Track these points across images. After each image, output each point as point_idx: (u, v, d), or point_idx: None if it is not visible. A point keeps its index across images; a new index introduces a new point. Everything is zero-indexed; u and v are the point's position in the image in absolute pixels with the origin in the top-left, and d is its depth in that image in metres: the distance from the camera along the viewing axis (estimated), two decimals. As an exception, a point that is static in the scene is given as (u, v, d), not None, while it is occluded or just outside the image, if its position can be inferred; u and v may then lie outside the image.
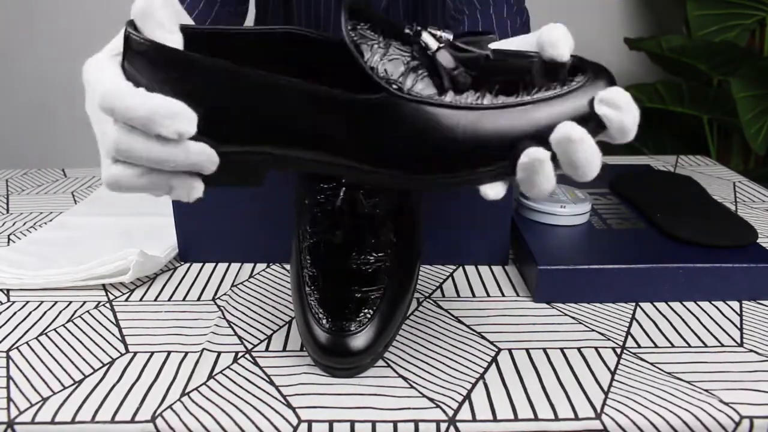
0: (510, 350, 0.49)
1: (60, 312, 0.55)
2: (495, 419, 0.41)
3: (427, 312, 0.54)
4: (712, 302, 0.56)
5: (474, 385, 0.44)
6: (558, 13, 1.88)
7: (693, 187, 0.74)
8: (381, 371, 0.46)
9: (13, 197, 0.85)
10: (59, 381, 0.46)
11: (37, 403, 0.43)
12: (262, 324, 0.53)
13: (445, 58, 0.36)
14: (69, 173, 0.96)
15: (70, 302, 0.57)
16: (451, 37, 0.37)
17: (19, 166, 2.05)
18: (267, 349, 0.49)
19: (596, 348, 0.49)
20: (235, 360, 0.48)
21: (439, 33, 0.37)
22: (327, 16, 0.80)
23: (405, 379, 0.45)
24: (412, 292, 0.51)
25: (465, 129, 0.36)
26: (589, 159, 0.34)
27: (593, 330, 0.52)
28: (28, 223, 0.75)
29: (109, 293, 0.59)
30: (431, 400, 0.43)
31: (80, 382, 0.45)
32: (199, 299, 0.57)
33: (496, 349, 0.49)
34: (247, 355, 0.48)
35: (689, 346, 0.49)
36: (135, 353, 0.49)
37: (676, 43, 1.61)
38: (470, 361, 0.47)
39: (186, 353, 0.49)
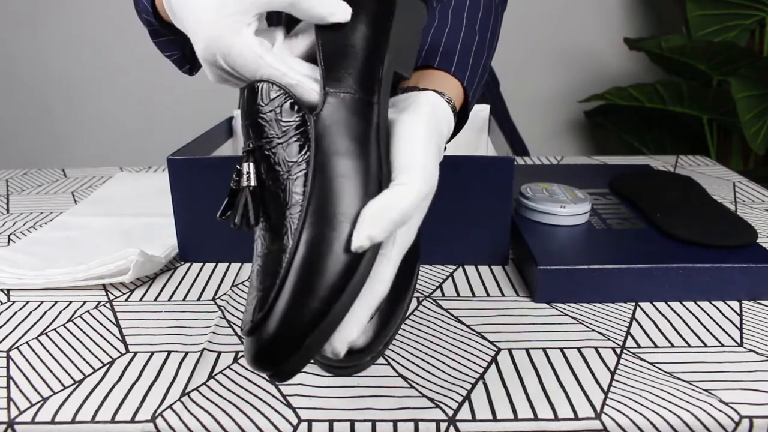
0: (510, 350, 0.49)
1: (60, 312, 0.55)
2: (495, 419, 0.41)
3: (427, 312, 0.54)
4: (712, 302, 0.56)
5: (474, 385, 0.45)
6: (558, 13, 1.88)
7: (693, 187, 0.74)
8: (381, 371, 0.46)
9: (13, 197, 0.85)
10: (59, 381, 0.46)
11: (37, 402, 0.43)
12: (262, 324, 0.53)
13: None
14: (69, 173, 0.96)
15: (71, 302, 0.57)
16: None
17: (19, 166, 2.05)
18: (267, 349, 0.49)
19: (596, 348, 0.49)
20: (236, 360, 0.48)
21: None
22: None
23: (405, 378, 0.45)
24: (412, 292, 0.51)
25: None
26: None
27: (593, 330, 0.52)
28: (28, 223, 0.76)
29: (109, 293, 0.59)
30: (431, 399, 0.43)
31: (80, 382, 0.45)
32: (199, 299, 0.57)
33: (496, 349, 0.49)
34: (247, 355, 0.48)
35: (689, 346, 0.49)
36: (135, 353, 0.49)
37: (676, 43, 1.61)
38: (470, 360, 0.47)
39: (186, 353, 0.49)
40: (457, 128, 0.52)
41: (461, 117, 0.53)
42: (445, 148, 0.47)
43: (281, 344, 0.33)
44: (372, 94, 0.41)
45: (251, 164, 0.38)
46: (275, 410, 0.42)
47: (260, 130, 0.39)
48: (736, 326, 0.52)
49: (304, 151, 0.38)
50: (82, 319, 0.54)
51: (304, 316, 0.33)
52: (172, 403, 0.43)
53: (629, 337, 0.51)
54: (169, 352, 0.49)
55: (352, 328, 0.36)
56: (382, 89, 0.41)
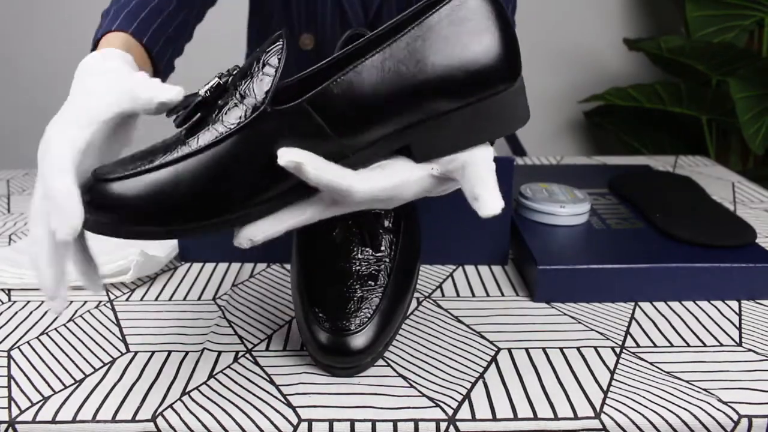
0: (509, 350, 0.49)
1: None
2: (494, 418, 0.41)
3: (427, 312, 0.55)
4: (711, 302, 0.56)
5: (474, 384, 0.45)
6: (558, 14, 1.88)
7: (692, 187, 0.74)
8: (381, 371, 0.46)
9: (15, 197, 0.85)
10: (60, 380, 0.46)
11: (38, 402, 0.43)
12: (263, 324, 0.53)
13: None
14: (69, 173, 0.96)
15: (71, 302, 0.57)
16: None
17: (20, 166, 2.05)
18: (267, 349, 0.49)
19: (595, 347, 0.49)
20: (236, 359, 0.48)
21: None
22: (324, 11, 0.81)
23: (405, 378, 0.45)
24: (412, 292, 0.51)
25: None
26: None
27: (592, 330, 0.52)
28: (29, 223, 0.76)
29: (109, 293, 0.59)
30: (431, 399, 0.43)
31: (81, 381, 0.46)
32: (199, 299, 0.57)
33: (496, 349, 0.49)
34: (247, 355, 0.48)
35: (688, 345, 0.50)
36: (136, 353, 0.49)
37: (675, 44, 1.61)
38: (470, 360, 0.48)
39: (186, 353, 0.49)
40: None
41: None
42: None
43: (124, 210, 0.38)
44: (346, 137, 0.38)
45: (218, 82, 0.39)
46: (275, 410, 0.42)
47: (245, 70, 0.39)
48: (735, 326, 0.52)
49: (236, 121, 0.37)
50: (83, 318, 0.54)
51: (149, 212, 0.38)
52: (173, 403, 0.43)
53: (628, 336, 0.51)
54: (170, 352, 0.49)
55: (258, 233, 0.39)
56: (367, 151, 0.39)
